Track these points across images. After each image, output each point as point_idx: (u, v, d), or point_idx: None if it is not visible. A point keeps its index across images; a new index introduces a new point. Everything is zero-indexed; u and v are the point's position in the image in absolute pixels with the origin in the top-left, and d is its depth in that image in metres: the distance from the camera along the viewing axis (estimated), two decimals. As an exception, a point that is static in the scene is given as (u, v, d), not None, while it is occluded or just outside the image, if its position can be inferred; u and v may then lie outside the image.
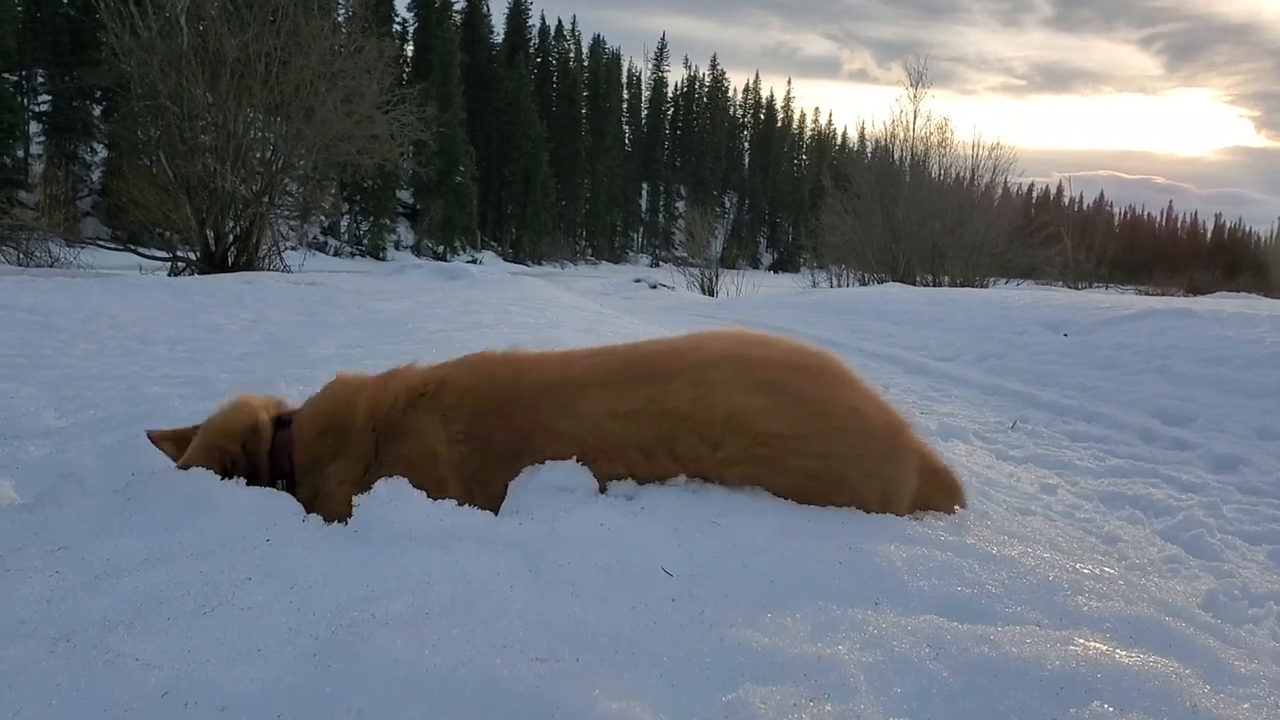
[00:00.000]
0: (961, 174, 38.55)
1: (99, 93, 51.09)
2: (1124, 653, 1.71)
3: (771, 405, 2.53)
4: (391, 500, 2.23)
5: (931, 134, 39.25)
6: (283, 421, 2.78)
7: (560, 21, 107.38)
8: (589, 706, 1.41)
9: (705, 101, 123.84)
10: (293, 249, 33.72)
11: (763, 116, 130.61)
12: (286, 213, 30.14)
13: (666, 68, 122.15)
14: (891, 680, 1.60)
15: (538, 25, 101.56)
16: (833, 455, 2.53)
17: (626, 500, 2.43)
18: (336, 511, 2.41)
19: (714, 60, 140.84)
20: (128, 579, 1.90)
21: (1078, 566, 2.28)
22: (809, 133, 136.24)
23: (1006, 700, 1.56)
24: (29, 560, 2.00)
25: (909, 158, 39.57)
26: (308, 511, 2.48)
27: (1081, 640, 1.75)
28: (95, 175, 56.68)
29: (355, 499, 2.29)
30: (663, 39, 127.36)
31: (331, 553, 2.05)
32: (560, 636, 1.66)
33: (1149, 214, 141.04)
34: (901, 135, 39.84)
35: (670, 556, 2.08)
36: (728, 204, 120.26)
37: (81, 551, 2.05)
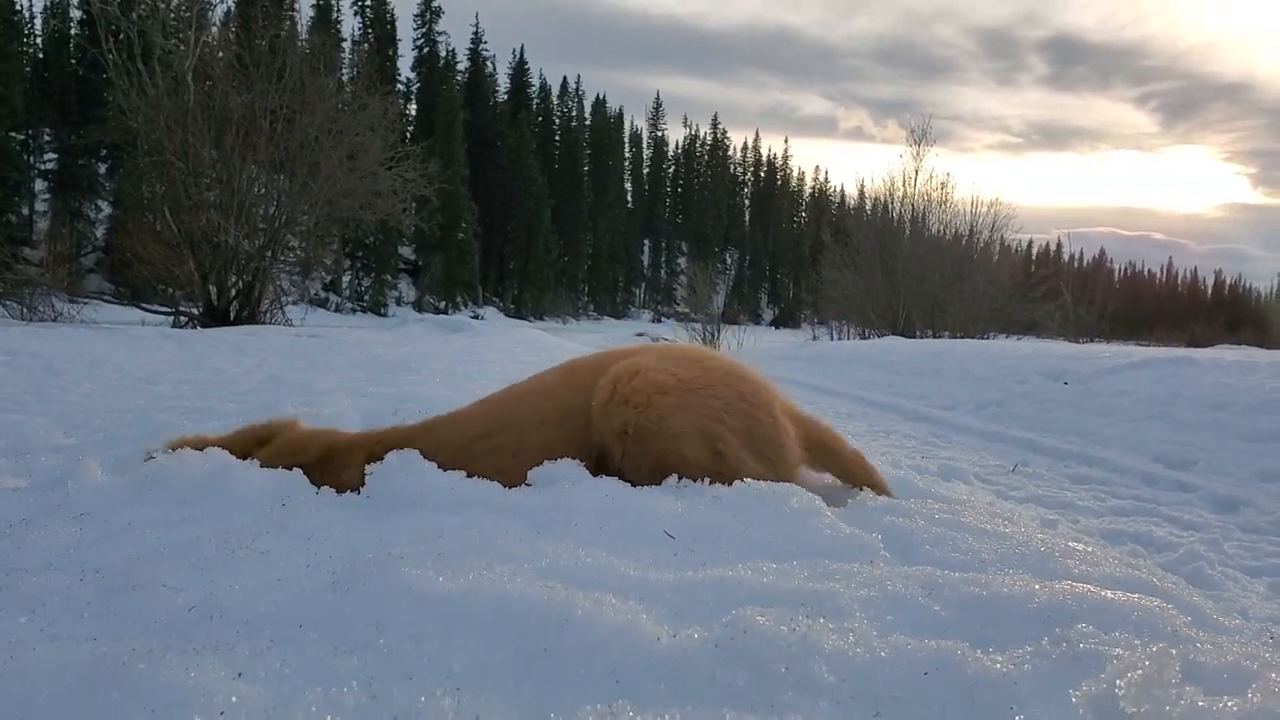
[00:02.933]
0: (961, 230, 38.85)
1: (104, 150, 51.52)
2: (1110, 592, 1.76)
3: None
4: (402, 470, 2.29)
5: (933, 191, 39.56)
6: None
7: (566, 80, 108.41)
8: (597, 619, 1.47)
9: (706, 159, 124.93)
10: (294, 304, 33.90)
11: (763, 174, 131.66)
12: (288, 268, 30.35)
13: (664, 125, 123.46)
14: (884, 610, 1.65)
15: (541, 84, 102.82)
16: None
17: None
18: None
19: (715, 119, 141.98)
20: (150, 533, 1.96)
21: (1070, 545, 2.32)
22: (808, 190, 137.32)
23: (996, 627, 1.61)
24: (53, 522, 2.06)
25: (909, 214, 39.83)
26: None
27: (1069, 583, 1.80)
28: (99, 232, 57.08)
29: (369, 468, 2.38)
30: (658, 98, 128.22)
31: (345, 514, 2.11)
32: (568, 577, 1.72)
33: (1149, 270, 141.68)
34: (902, 192, 40.14)
35: (673, 523, 2.15)
36: (729, 260, 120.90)
37: (104, 516, 2.12)
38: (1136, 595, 1.77)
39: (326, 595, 1.60)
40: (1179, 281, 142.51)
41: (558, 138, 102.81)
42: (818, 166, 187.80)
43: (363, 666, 1.35)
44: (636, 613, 1.51)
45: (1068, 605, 1.67)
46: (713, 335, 40.93)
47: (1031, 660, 1.44)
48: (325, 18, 67.14)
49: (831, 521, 2.21)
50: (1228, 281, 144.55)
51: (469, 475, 2.64)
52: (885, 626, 1.60)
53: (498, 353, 11.62)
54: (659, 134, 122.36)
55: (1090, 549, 2.36)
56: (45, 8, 62.49)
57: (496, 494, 2.30)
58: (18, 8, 57.14)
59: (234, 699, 1.24)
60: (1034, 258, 70.56)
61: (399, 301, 73.41)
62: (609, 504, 2.20)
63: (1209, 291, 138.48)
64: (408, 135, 41.70)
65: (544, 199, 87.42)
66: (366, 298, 71.49)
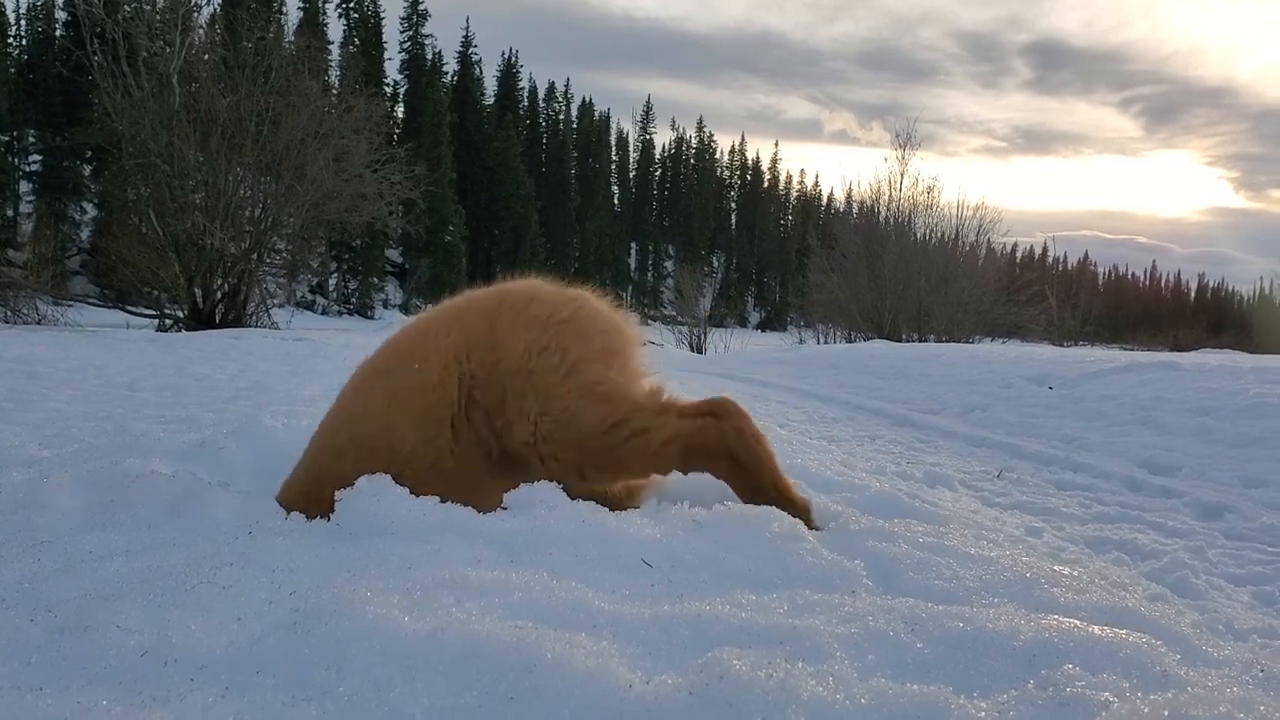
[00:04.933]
0: (946, 234, 38.91)
1: (89, 152, 51.27)
2: (1097, 628, 1.72)
3: None
4: (374, 495, 2.22)
5: (919, 195, 39.60)
6: None
7: (552, 84, 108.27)
8: (567, 662, 1.42)
9: (693, 163, 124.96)
10: (280, 306, 33.80)
11: (749, 177, 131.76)
12: (274, 270, 30.23)
13: (653, 129, 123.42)
14: (866, 649, 1.61)
15: (528, 88, 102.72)
16: None
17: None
18: None
19: (700, 122, 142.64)
20: (110, 564, 1.90)
21: (1055, 568, 2.28)
22: (794, 193, 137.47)
23: (980, 667, 1.57)
24: (10, 551, 2.01)
25: (895, 218, 39.86)
26: None
27: (1056, 618, 1.76)
28: (84, 234, 56.74)
29: (338, 494, 2.31)
30: (648, 101, 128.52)
31: (313, 543, 2.05)
32: (539, 612, 1.67)
33: (1133, 273, 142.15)
34: (888, 196, 40.17)
35: (651, 550, 2.10)
36: (715, 263, 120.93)
37: (64, 544, 2.06)
38: (1124, 631, 1.72)
39: (286, 636, 1.54)
40: (1163, 285, 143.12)
41: (545, 141, 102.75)
42: (803, 170, 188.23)
43: (321, 717, 1.30)
44: (609, 655, 1.46)
45: (1053, 643, 1.63)
46: (700, 338, 41.06)
47: (1017, 707, 1.40)
48: (312, 21, 66.91)
49: (813, 547, 2.16)
50: (1210, 285, 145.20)
51: None
52: (866, 667, 1.56)
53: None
54: (647, 137, 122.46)
55: (1075, 573, 2.32)
56: (29, 9, 62.18)
57: (471, 520, 2.23)
58: (1, 10, 56.98)
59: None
60: (1019, 261, 70.68)
61: (386, 304, 73.21)
62: (585, 530, 2.14)
63: (1192, 295, 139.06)
64: (394, 138, 41.65)
65: (531, 202, 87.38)
66: (353, 300, 71.32)
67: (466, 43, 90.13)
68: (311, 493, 2.51)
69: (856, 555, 2.17)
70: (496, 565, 1.93)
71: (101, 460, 3.39)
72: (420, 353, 2.76)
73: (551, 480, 2.56)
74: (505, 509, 2.35)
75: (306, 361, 11.51)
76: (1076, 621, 1.75)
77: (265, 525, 2.20)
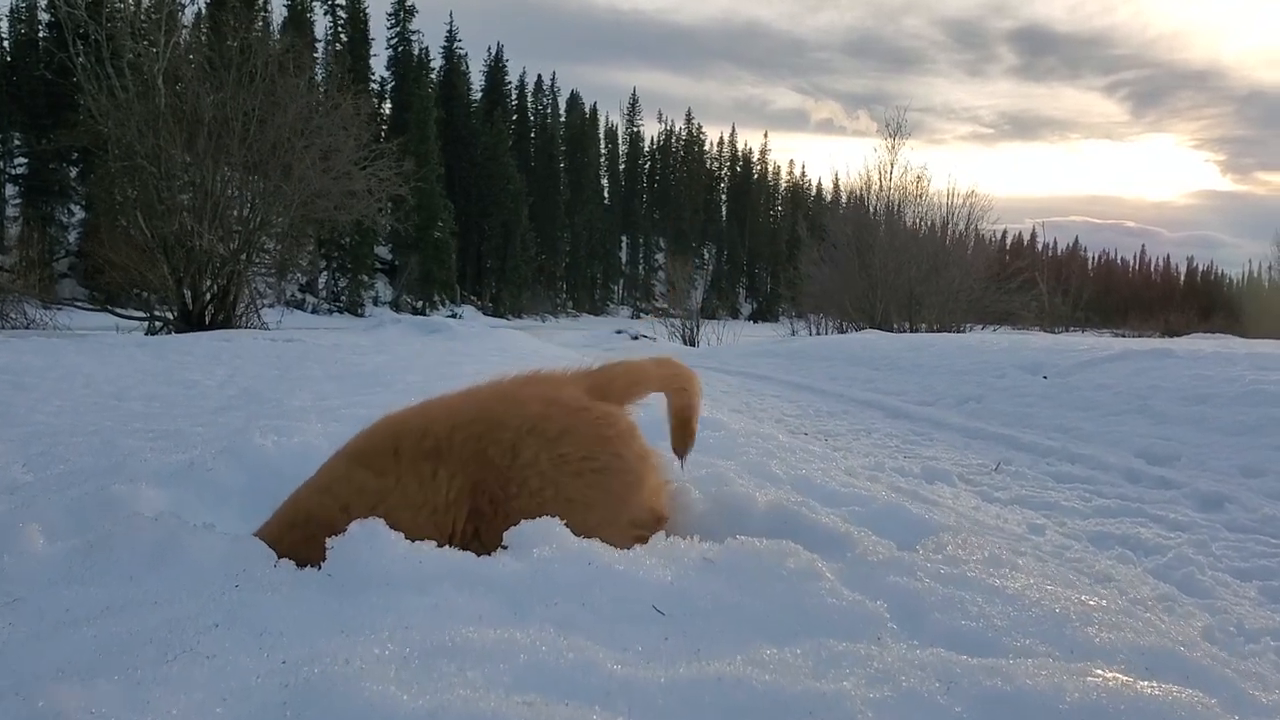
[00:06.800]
0: (936, 222, 38.87)
1: (75, 155, 50.99)
2: (1146, 684, 1.62)
3: None
4: (367, 542, 2.10)
5: (908, 184, 39.56)
6: None
7: (540, 78, 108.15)
8: (581, 751, 1.31)
9: (682, 155, 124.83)
10: (270, 306, 33.67)
11: (739, 169, 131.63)
12: (264, 270, 30.07)
13: (640, 122, 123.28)
14: (901, 716, 1.51)
15: (516, 82, 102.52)
16: None
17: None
18: None
19: (689, 114, 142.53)
20: (86, 629, 1.78)
21: (1083, 599, 2.19)
22: (784, 184, 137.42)
23: (1026, 736, 1.47)
24: (-18, 611, 1.90)
25: (885, 207, 39.82)
26: None
27: (1099, 671, 1.66)
28: (72, 237, 56.47)
29: (329, 541, 2.16)
30: (634, 94, 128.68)
31: (303, 599, 1.93)
32: (547, 678, 1.55)
33: (1122, 258, 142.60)
34: (877, 185, 40.12)
35: (663, 595, 1.98)
36: (706, 255, 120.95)
37: (39, 601, 1.94)
38: (1174, 687, 1.61)
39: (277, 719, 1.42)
40: (1152, 269, 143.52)
41: (533, 135, 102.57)
42: (792, 161, 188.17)
43: (313, 822, 1.20)
44: (626, 741, 1.35)
45: (1103, 706, 1.52)
46: (692, 330, 41.00)
47: (1073, 792, 1.30)
48: (298, 18, 66.69)
49: (832, 586, 2.05)
50: (1200, 268, 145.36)
51: None
52: (903, 740, 1.45)
53: (474, 360, 11.45)
54: (635, 130, 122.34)
55: (1104, 604, 2.23)
56: (11, 10, 61.77)
57: (469, 565, 2.06)
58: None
59: None
60: (1009, 248, 70.71)
61: (376, 301, 73.00)
62: (592, 574, 2.01)
63: (1182, 279, 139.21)
64: (382, 134, 41.48)
65: (520, 196, 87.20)
66: (343, 298, 71.13)
67: (451, 37, 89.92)
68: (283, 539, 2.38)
69: (878, 594, 2.06)
70: (499, 621, 1.80)
71: (86, 485, 3.29)
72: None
73: None
74: (505, 548, 2.24)
75: (296, 366, 11.37)
76: (1123, 677, 1.64)
77: (252, 576, 2.05)
